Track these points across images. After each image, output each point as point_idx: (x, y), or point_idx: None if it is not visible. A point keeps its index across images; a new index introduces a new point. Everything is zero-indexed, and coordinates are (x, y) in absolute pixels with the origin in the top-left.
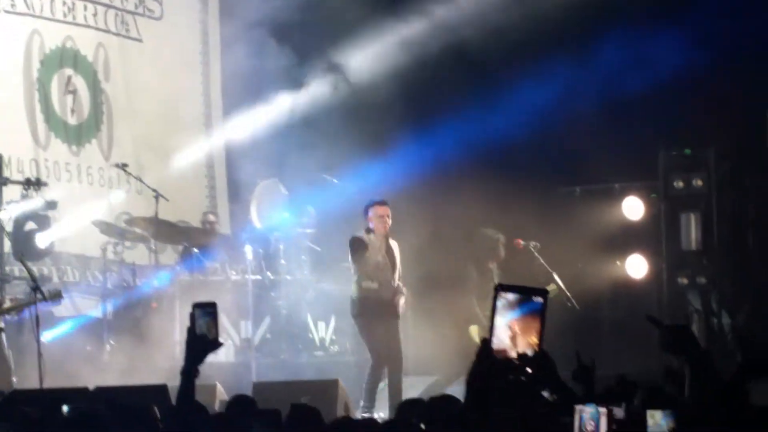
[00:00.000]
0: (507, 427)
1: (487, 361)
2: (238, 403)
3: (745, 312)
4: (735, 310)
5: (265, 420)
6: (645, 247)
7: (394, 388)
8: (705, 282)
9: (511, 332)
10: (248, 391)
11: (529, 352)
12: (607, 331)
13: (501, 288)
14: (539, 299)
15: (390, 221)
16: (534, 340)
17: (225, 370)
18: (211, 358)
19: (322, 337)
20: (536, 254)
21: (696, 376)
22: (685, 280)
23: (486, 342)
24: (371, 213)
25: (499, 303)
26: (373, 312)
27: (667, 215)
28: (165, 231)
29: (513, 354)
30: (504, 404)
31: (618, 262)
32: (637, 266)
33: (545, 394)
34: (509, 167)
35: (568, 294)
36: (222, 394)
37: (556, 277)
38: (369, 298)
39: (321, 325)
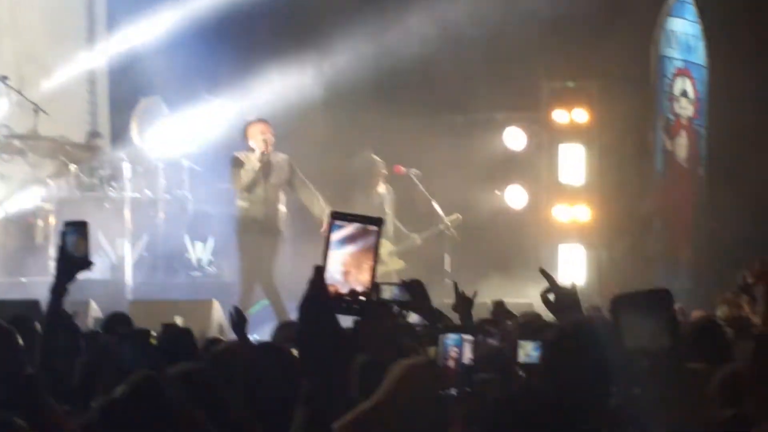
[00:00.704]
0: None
1: (318, 290)
2: (114, 320)
3: (623, 246)
4: (613, 244)
5: (135, 339)
6: (525, 178)
7: (275, 310)
8: (584, 214)
9: (343, 268)
10: (123, 309)
11: (360, 289)
12: (486, 261)
13: (335, 215)
14: (374, 228)
15: (272, 138)
16: (366, 277)
17: (100, 288)
18: (87, 275)
19: (200, 257)
20: (416, 181)
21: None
22: (563, 212)
23: (319, 269)
24: (251, 131)
25: (334, 233)
26: (245, 230)
27: (547, 146)
28: (44, 146)
29: (343, 290)
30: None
31: (498, 192)
32: (516, 196)
33: (418, 320)
34: (392, 93)
35: (447, 223)
36: (96, 311)
37: (435, 204)
38: (241, 217)
39: (199, 245)
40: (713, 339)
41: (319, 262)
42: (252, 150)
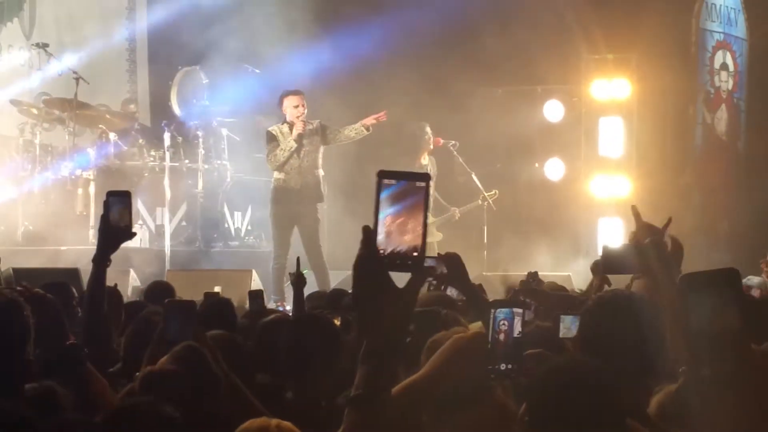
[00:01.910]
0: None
1: (370, 250)
2: (156, 289)
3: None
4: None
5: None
6: (564, 151)
7: (318, 279)
8: (623, 188)
9: (394, 226)
10: (162, 279)
11: (411, 246)
12: (524, 234)
13: (382, 174)
14: (422, 185)
15: (305, 110)
16: (418, 233)
17: (139, 257)
18: (126, 243)
19: (238, 227)
20: (455, 153)
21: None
22: (604, 185)
23: (368, 229)
24: (285, 103)
25: (382, 191)
26: (282, 201)
27: (586, 119)
28: (83, 114)
29: (396, 249)
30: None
31: (537, 164)
32: (555, 169)
33: (453, 293)
34: (430, 65)
35: (486, 194)
36: (135, 281)
37: (474, 177)
38: (277, 188)
39: (237, 215)
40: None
41: (369, 222)
42: (286, 122)
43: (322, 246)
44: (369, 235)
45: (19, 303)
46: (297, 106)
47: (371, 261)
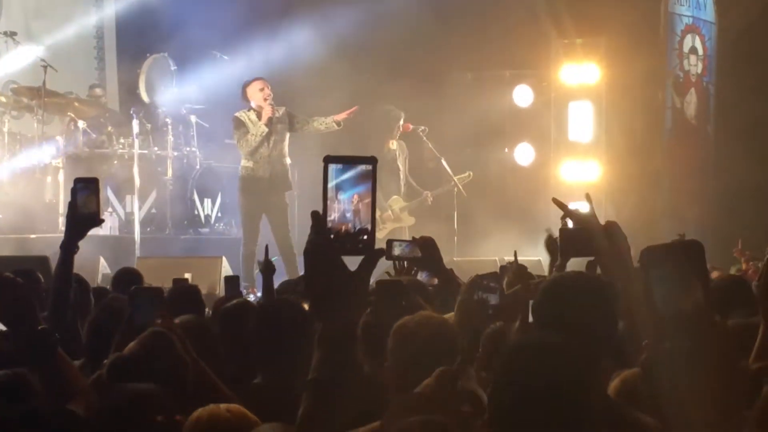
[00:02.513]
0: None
1: (320, 235)
2: (123, 276)
3: (631, 204)
4: (621, 202)
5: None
6: (534, 136)
7: (287, 267)
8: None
9: (343, 208)
10: (132, 266)
11: (368, 226)
12: (494, 218)
13: (329, 159)
14: (369, 167)
15: (270, 92)
16: (367, 215)
17: (109, 244)
18: (96, 231)
19: (208, 214)
20: (425, 138)
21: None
22: (572, 169)
23: (317, 215)
24: (250, 90)
25: (330, 176)
26: (249, 190)
27: (556, 104)
28: (52, 102)
29: (347, 229)
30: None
31: (506, 149)
32: (525, 154)
33: (425, 277)
34: (401, 49)
35: (455, 180)
36: (105, 268)
37: (443, 162)
38: (245, 178)
39: (207, 201)
40: (744, 295)
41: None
42: (252, 109)
43: (292, 234)
44: (319, 220)
45: None
46: (263, 89)
47: (322, 246)
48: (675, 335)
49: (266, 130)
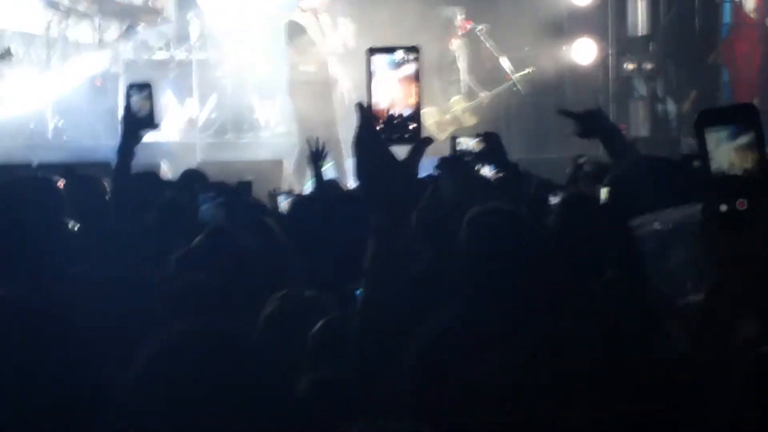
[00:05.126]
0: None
1: (368, 127)
2: (189, 176)
3: (690, 99)
4: (681, 96)
5: (214, 190)
6: (592, 32)
7: (338, 171)
8: (651, 68)
9: (389, 94)
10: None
11: (408, 113)
12: (553, 116)
13: (373, 51)
14: (412, 56)
15: None
16: (413, 101)
17: (170, 150)
18: (156, 137)
19: (268, 118)
20: (482, 37)
21: (613, 152)
22: (631, 66)
23: (362, 107)
24: None
25: (374, 67)
26: (305, 94)
27: None
28: (109, 8)
29: (394, 113)
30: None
31: (565, 47)
32: (583, 51)
33: (489, 172)
34: None
35: (515, 79)
36: (166, 173)
37: (503, 60)
38: (300, 81)
39: (267, 105)
40: None
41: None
42: (304, 10)
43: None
44: (365, 113)
45: (49, 180)
46: None
47: (370, 138)
48: (729, 201)
49: (319, 33)
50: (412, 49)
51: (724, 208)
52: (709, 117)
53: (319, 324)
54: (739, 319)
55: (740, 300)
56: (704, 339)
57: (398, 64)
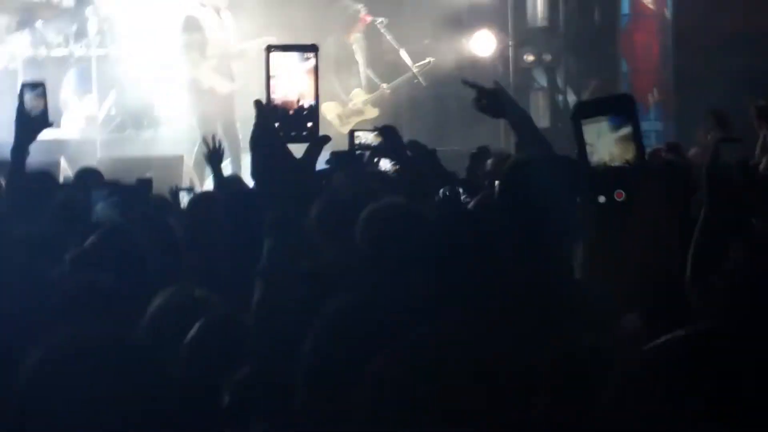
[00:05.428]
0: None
1: (264, 125)
2: (85, 173)
3: (590, 89)
4: (580, 87)
5: (109, 188)
6: (492, 24)
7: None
8: (551, 59)
9: (287, 91)
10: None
11: (309, 105)
12: (453, 108)
13: (271, 48)
14: (311, 55)
15: None
16: (311, 98)
17: (70, 147)
18: (55, 134)
19: (168, 113)
20: (382, 30)
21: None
22: (531, 57)
23: (260, 104)
24: None
25: (273, 64)
26: (203, 92)
27: None
28: (4, 3)
29: (292, 107)
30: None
31: (465, 39)
32: (483, 43)
33: (389, 165)
34: None
35: (414, 70)
36: (66, 170)
37: (403, 53)
38: (198, 79)
39: (166, 100)
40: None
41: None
42: (204, 5)
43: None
44: (262, 110)
45: None
46: None
47: (267, 136)
48: (608, 193)
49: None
50: (311, 47)
51: (602, 199)
52: (586, 109)
53: (196, 325)
54: (623, 314)
55: (621, 293)
56: (595, 332)
57: (297, 62)
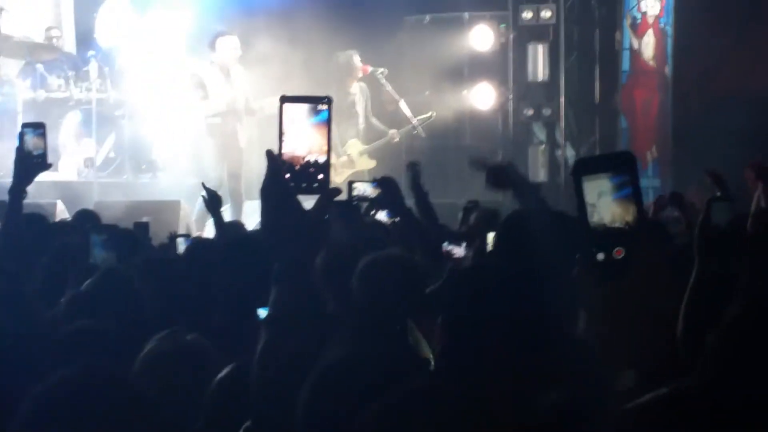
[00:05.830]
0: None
1: (275, 175)
2: (82, 216)
3: (589, 144)
4: (579, 142)
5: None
6: (492, 78)
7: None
8: (550, 113)
9: (299, 144)
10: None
11: (321, 159)
12: (452, 160)
13: (284, 99)
14: (324, 107)
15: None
16: (323, 150)
17: (67, 189)
18: (53, 176)
19: (166, 158)
20: (383, 81)
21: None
22: (530, 111)
23: (272, 154)
24: (218, 44)
25: (285, 116)
26: (215, 144)
27: (515, 45)
28: (7, 45)
29: (303, 160)
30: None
31: (465, 92)
32: (483, 96)
33: (386, 217)
34: None
35: (414, 122)
36: (63, 212)
37: (402, 104)
38: (206, 131)
39: (166, 145)
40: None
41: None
42: (213, 63)
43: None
44: (274, 160)
45: None
46: (234, 49)
47: (278, 185)
48: (606, 250)
49: (224, 83)
50: (324, 99)
51: (601, 257)
52: (586, 166)
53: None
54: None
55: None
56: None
57: (309, 113)
